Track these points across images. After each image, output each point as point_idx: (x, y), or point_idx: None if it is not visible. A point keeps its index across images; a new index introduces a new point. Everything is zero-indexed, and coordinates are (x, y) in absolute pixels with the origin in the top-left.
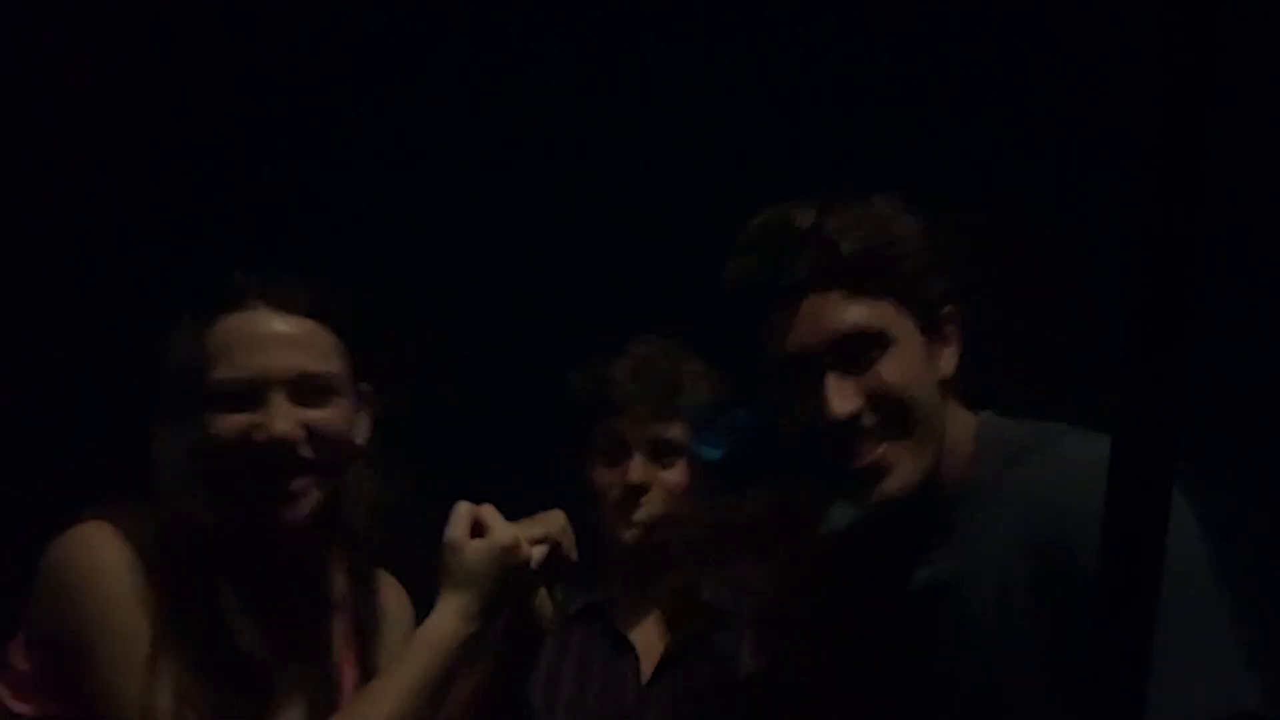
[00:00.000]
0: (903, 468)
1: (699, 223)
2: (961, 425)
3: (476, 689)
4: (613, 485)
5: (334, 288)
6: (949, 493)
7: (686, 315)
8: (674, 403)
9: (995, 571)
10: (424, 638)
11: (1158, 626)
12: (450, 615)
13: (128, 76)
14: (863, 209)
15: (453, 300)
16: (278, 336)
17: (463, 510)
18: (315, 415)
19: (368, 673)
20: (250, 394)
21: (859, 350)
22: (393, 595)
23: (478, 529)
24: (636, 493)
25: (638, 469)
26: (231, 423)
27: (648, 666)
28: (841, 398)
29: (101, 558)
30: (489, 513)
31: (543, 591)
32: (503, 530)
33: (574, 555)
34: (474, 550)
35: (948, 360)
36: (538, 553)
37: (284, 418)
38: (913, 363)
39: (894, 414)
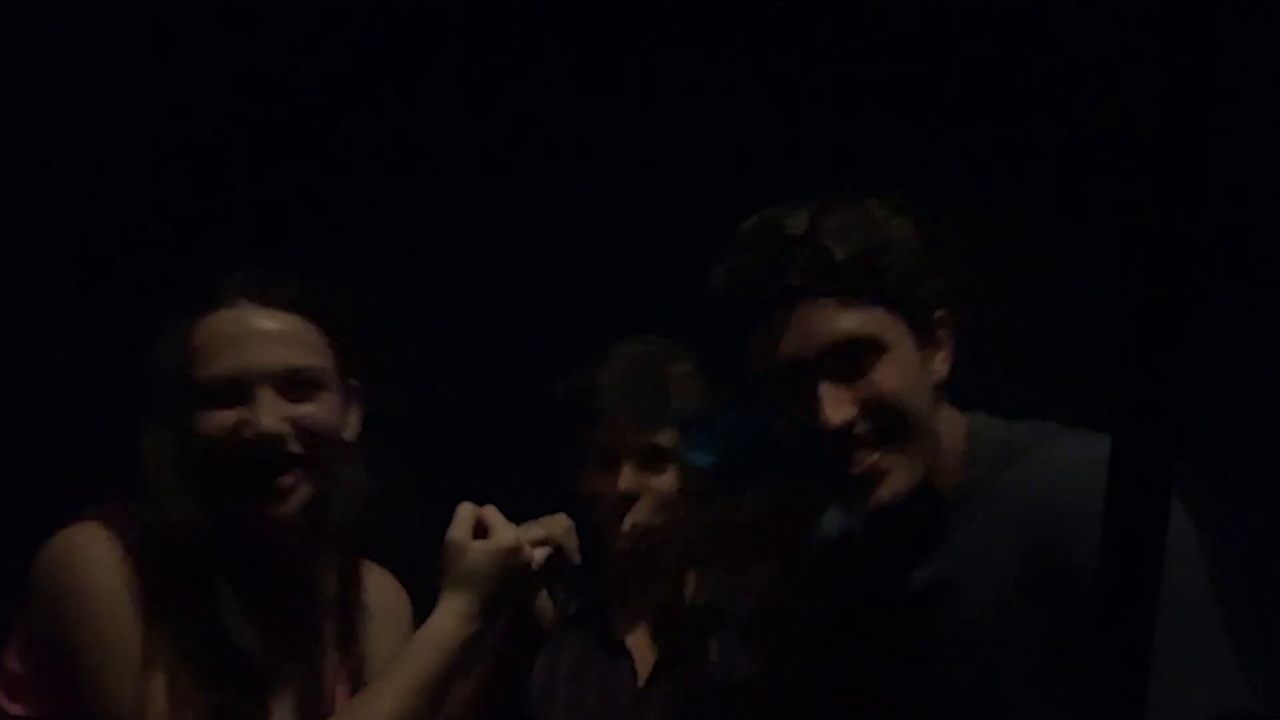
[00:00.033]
0: (897, 474)
1: (699, 223)
2: (953, 428)
3: (476, 689)
4: (604, 493)
5: (319, 283)
6: (942, 496)
7: (687, 315)
8: (662, 409)
9: (989, 573)
10: (424, 638)
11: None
12: (451, 616)
13: (128, 76)
14: (856, 213)
15: (453, 300)
16: (263, 332)
17: (466, 511)
18: (303, 410)
19: (362, 669)
20: (237, 390)
21: (853, 358)
22: (391, 593)
23: (480, 530)
24: (627, 501)
25: (627, 478)
26: (219, 420)
27: (644, 670)
28: (836, 406)
29: (92, 559)
30: (492, 514)
31: (543, 593)
32: (505, 532)
33: (576, 558)
34: (476, 551)
35: (941, 364)
36: (539, 554)
37: (271, 413)
38: (907, 369)
39: (888, 421)
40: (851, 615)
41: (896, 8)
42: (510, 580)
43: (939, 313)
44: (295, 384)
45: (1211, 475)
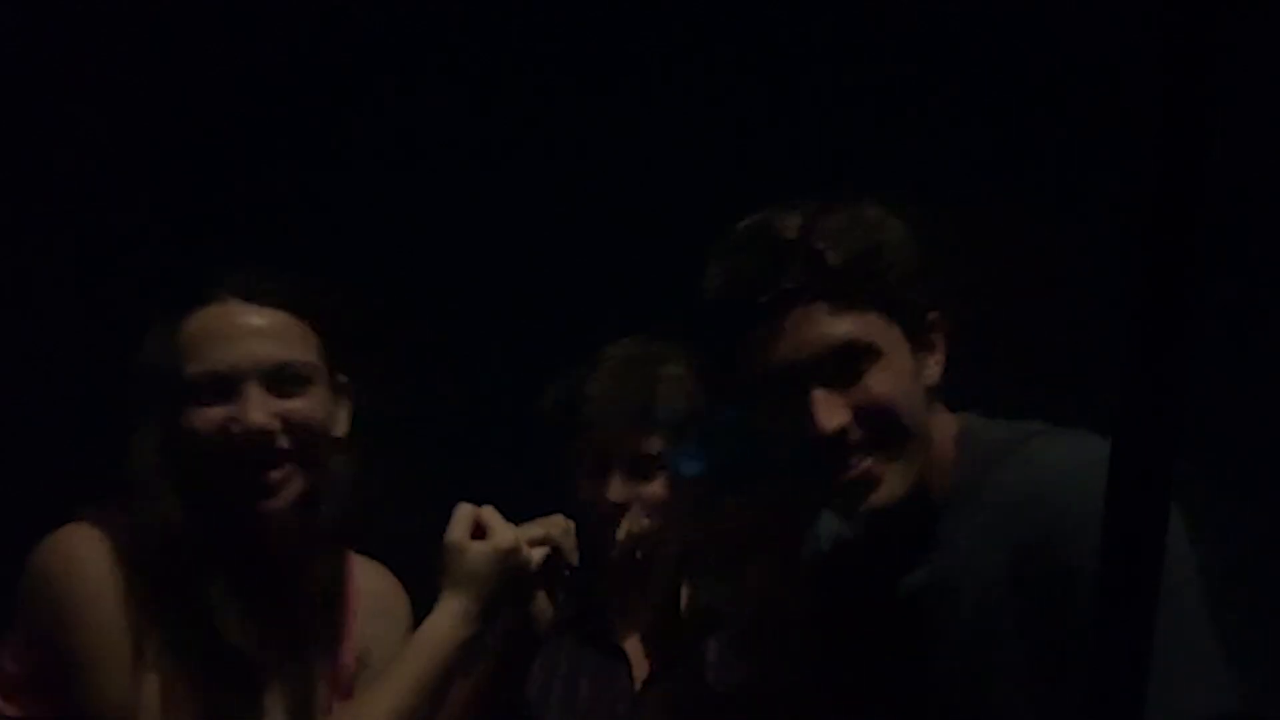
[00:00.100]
0: (891, 480)
1: (698, 223)
2: (945, 429)
3: (475, 690)
4: (595, 500)
5: (307, 280)
6: (935, 497)
7: (686, 316)
8: (649, 416)
9: (982, 573)
10: (423, 638)
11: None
12: (450, 616)
13: (128, 76)
14: (849, 216)
15: (453, 300)
16: (250, 328)
17: (464, 512)
18: (291, 405)
19: (359, 667)
20: (225, 386)
21: (847, 364)
22: (388, 590)
23: (479, 531)
24: (618, 510)
25: (616, 488)
26: (208, 416)
27: (641, 672)
28: (829, 413)
29: (86, 560)
30: (490, 515)
31: (542, 594)
32: (504, 532)
33: (574, 558)
34: (475, 552)
35: (934, 367)
36: (538, 555)
37: (259, 408)
38: (901, 374)
39: (882, 427)
40: (847, 617)
41: (896, 8)
42: (509, 581)
43: (932, 315)
44: (283, 379)
45: (1211, 475)
